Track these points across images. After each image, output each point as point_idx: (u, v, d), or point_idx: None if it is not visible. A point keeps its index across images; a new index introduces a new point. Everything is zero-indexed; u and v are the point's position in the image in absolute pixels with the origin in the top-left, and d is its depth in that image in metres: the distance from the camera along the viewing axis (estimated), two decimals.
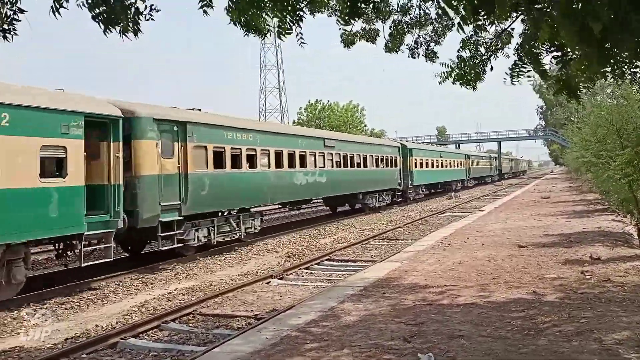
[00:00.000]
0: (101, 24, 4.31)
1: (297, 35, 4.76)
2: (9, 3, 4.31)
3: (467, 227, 17.74)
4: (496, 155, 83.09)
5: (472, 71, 6.70)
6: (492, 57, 6.87)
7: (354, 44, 8.22)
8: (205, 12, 4.42)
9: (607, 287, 8.23)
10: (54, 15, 4.15)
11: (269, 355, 5.78)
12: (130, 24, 4.41)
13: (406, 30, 8.06)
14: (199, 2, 4.41)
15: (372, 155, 28.84)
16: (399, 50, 8.17)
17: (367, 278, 9.80)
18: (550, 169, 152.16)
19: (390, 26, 7.99)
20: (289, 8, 4.44)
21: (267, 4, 4.40)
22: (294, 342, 6.21)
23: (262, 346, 6.11)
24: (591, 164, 15.96)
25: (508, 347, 5.69)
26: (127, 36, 4.42)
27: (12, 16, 4.34)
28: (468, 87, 6.76)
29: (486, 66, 6.87)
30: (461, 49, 7.00)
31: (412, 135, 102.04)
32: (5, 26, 4.36)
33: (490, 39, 6.91)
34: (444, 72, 6.77)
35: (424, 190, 40.27)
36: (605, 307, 7.11)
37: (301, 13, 4.60)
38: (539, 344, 5.75)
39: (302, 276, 12.70)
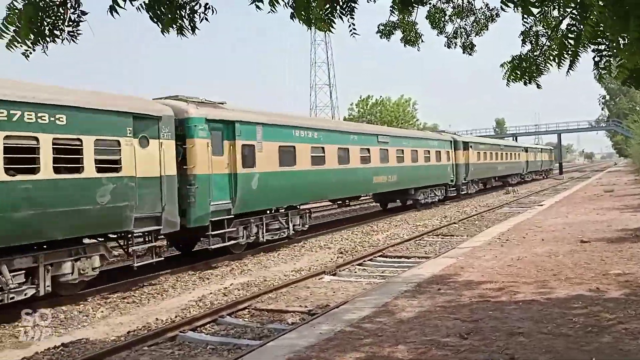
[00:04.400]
0: (159, 24, 4.41)
1: (350, 26, 4.69)
2: (72, 8, 4.49)
3: (525, 222, 17.19)
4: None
5: (533, 66, 6.33)
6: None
7: (393, 34, 8.09)
8: (257, 7, 4.42)
9: None
10: (111, 14, 4.31)
11: (323, 350, 5.80)
12: (187, 23, 4.48)
13: (447, 19, 7.92)
14: None
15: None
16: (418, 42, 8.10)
17: (421, 274, 9.67)
18: (614, 161, 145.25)
19: (427, 14, 7.88)
20: None
21: None
22: (348, 338, 6.21)
23: (316, 341, 6.14)
24: None
25: (570, 345, 5.48)
26: (184, 34, 4.51)
27: (76, 19, 4.52)
28: (530, 83, 6.40)
29: (548, 59, 6.50)
30: (522, 43, 6.76)
31: (468, 128, 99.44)
32: (70, 29, 4.55)
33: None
34: (507, 71, 6.39)
35: (479, 184, 39.31)
36: None
37: (352, 4, 4.53)
38: (602, 342, 5.51)
39: (355, 272, 12.68)
